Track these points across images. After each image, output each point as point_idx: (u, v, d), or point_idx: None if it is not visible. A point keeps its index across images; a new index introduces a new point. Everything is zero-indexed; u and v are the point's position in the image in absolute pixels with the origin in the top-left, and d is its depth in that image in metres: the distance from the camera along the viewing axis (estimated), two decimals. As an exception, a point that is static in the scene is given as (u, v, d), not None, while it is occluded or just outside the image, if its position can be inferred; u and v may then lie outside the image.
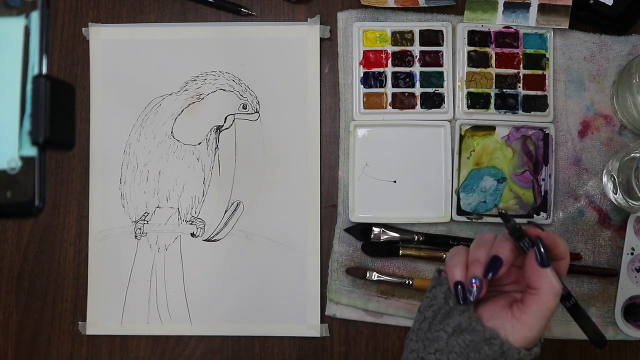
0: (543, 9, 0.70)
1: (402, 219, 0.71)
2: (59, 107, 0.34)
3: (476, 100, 0.71)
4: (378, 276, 0.70)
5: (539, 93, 0.71)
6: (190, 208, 0.73)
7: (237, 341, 0.72)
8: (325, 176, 0.73)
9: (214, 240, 0.72)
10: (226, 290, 0.72)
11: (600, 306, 0.70)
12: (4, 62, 0.35)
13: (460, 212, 0.71)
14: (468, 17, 0.71)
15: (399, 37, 0.72)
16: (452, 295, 0.52)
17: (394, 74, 0.71)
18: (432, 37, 0.71)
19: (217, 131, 0.73)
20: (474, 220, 0.71)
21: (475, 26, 0.71)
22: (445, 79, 0.71)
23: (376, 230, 0.71)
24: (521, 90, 0.71)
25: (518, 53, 0.71)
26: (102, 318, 0.72)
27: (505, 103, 0.71)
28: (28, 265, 0.73)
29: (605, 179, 0.70)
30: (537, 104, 0.71)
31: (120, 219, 0.73)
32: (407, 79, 0.71)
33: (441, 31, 0.71)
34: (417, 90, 0.71)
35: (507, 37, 0.71)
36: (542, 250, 0.50)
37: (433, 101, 0.71)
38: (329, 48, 0.74)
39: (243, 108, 0.73)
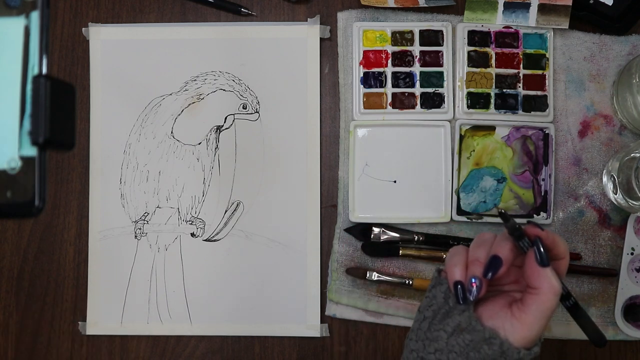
0: (543, 9, 0.70)
1: (402, 219, 0.71)
2: (59, 107, 0.34)
3: (476, 100, 0.71)
4: (378, 276, 0.70)
5: (539, 93, 0.71)
6: (190, 208, 0.73)
7: (237, 341, 0.72)
8: (325, 176, 0.73)
9: (214, 240, 0.72)
10: (226, 290, 0.72)
11: (600, 306, 0.70)
12: (4, 62, 0.35)
13: (460, 212, 0.71)
14: (468, 17, 0.71)
15: (399, 37, 0.72)
16: (452, 294, 0.52)
17: (394, 74, 0.71)
18: (432, 37, 0.71)
19: (217, 131, 0.73)
20: (474, 220, 0.71)
21: (475, 26, 0.71)
22: (445, 79, 0.71)
23: (376, 230, 0.71)
24: (521, 90, 0.71)
25: (518, 53, 0.71)
26: (102, 318, 0.72)
27: (505, 103, 0.71)
28: (28, 265, 0.73)
29: (605, 179, 0.70)
30: (537, 104, 0.71)
31: (120, 219, 0.73)
32: (407, 79, 0.71)
33: (441, 31, 0.71)
34: (417, 90, 0.71)
35: (507, 37, 0.71)
36: (542, 249, 0.50)
37: (433, 101, 0.71)
38: (329, 48, 0.74)
39: (243, 108, 0.73)
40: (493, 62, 0.71)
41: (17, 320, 0.73)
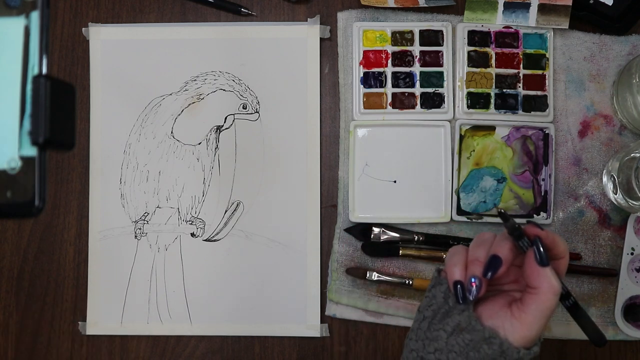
0: (543, 9, 0.70)
1: (402, 219, 0.71)
2: (59, 107, 0.34)
3: (476, 100, 0.71)
4: (378, 276, 0.70)
5: (539, 93, 0.71)
6: (190, 208, 0.73)
7: (237, 341, 0.72)
8: (325, 176, 0.73)
9: (214, 240, 0.72)
10: (226, 290, 0.72)
11: (600, 306, 0.70)
12: (4, 62, 0.35)
13: (460, 212, 0.71)
14: (468, 17, 0.71)
15: (399, 37, 0.72)
16: (452, 294, 0.52)
17: (394, 74, 0.71)
18: (432, 37, 0.71)
19: (217, 131, 0.73)
20: (474, 220, 0.71)
21: (475, 26, 0.71)
22: (445, 79, 0.71)
23: (376, 230, 0.71)
24: (521, 90, 0.71)
25: (518, 53, 0.71)
26: (102, 318, 0.72)
27: (505, 103, 0.71)
28: (28, 265, 0.73)
29: (605, 179, 0.70)
30: (537, 104, 0.71)
31: (120, 219, 0.73)
32: (407, 79, 0.71)
33: (441, 31, 0.71)
34: (417, 90, 0.71)
35: (507, 37, 0.71)
36: (542, 249, 0.50)
37: (433, 101, 0.71)
38: (329, 48, 0.74)
39: (243, 108, 0.73)
40: (493, 62, 0.71)
41: (17, 320, 0.73)
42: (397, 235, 0.71)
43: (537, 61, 0.71)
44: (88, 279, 0.73)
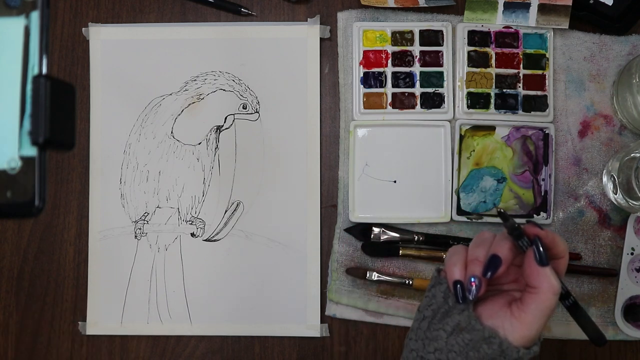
0: (543, 9, 0.70)
1: (402, 219, 0.71)
2: (59, 107, 0.34)
3: (476, 100, 0.71)
4: (378, 276, 0.70)
5: (539, 93, 0.71)
6: (190, 208, 0.73)
7: (237, 341, 0.72)
8: (325, 176, 0.73)
9: (214, 240, 0.72)
10: (226, 290, 0.72)
11: (600, 306, 0.70)
12: (4, 62, 0.35)
13: (460, 212, 0.71)
14: (468, 17, 0.71)
15: (399, 37, 0.72)
16: (452, 294, 0.52)
17: (394, 74, 0.71)
18: (432, 37, 0.71)
19: (217, 131, 0.73)
20: (474, 220, 0.71)
21: (475, 26, 0.71)
22: (445, 79, 0.71)
23: (376, 230, 0.71)
24: (521, 90, 0.71)
25: (518, 53, 0.71)
26: (102, 318, 0.72)
27: (505, 103, 0.71)
28: (28, 265, 0.73)
29: (605, 179, 0.70)
30: (537, 104, 0.71)
31: (120, 219, 0.73)
32: (407, 79, 0.71)
33: (441, 31, 0.71)
34: (417, 90, 0.71)
35: (507, 37, 0.71)
36: (541, 249, 0.50)
37: (433, 101, 0.71)
38: (329, 48, 0.74)
39: (243, 108, 0.73)
40: (493, 62, 0.71)
41: (17, 320, 0.73)
42: (397, 235, 0.71)
43: (537, 61, 0.71)
44: (88, 279, 0.73)
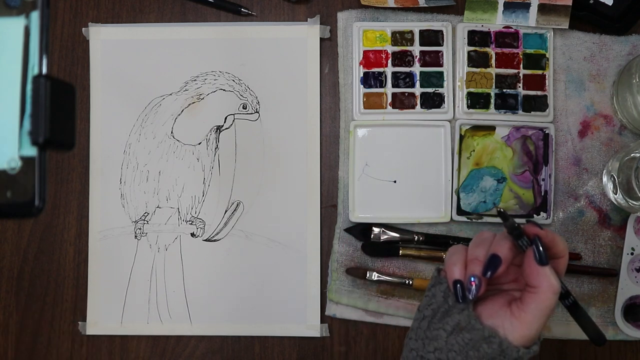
0: (543, 9, 0.70)
1: (402, 219, 0.71)
2: (59, 107, 0.34)
3: (476, 100, 0.71)
4: (378, 276, 0.70)
5: (539, 93, 0.71)
6: (190, 208, 0.73)
7: (237, 341, 0.72)
8: (325, 176, 0.73)
9: (214, 240, 0.72)
10: (226, 290, 0.72)
11: (600, 306, 0.70)
12: (4, 62, 0.35)
13: (460, 212, 0.71)
14: (468, 17, 0.71)
15: (399, 37, 0.72)
16: (451, 293, 0.52)
17: (394, 74, 0.71)
18: (432, 37, 0.71)
19: (217, 131, 0.73)
20: (474, 220, 0.71)
21: (475, 26, 0.71)
22: (445, 79, 0.71)
23: (376, 230, 0.71)
24: (521, 90, 0.71)
25: (518, 53, 0.71)
26: (102, 318, 0.72)
27: (505, 103, 0.71)
28: (28, 265, 0.73)
29: (605, 179, 0.70)
30: (537, 104, 0.71)
31: (120, 219, 0.73)
32: (407, 79, 0.71)
33: (441, 31, 0.71)
34: (417, 90, 0.71)
35: (507, 37, 0.71)
36: (541, 248, 0.50)
37: (433, 101, 0.71)
38: (329, 48, 0.74)
39: (243, 108, 0.73)
40: (493, 62, 0.71)
41: (17, 320, 0.73)
42: (397, 235, 0.71)
43: (537, 61, 0.71)
44: (88, 279, 0.73)
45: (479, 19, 0.71)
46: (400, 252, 0.70)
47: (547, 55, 0.71)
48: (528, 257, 0.50)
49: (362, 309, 0.71)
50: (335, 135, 0.73)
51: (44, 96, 0.34)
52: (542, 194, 0.71)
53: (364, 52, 0.72)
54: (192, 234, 0.73)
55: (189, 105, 0.73)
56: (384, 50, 0.72)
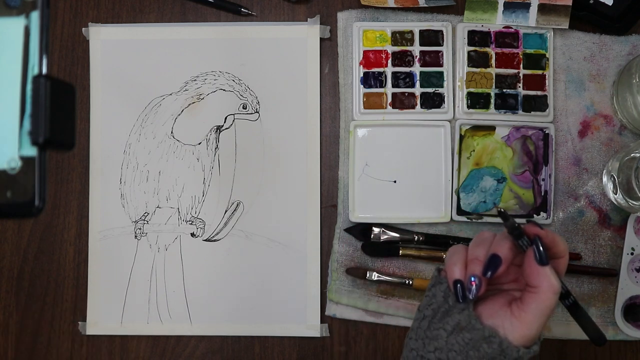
0: (543, 9, 0.70)
1: (402, 219, 0.71)
2: (59, 107, 0.34)
3: (476, 100, 0.71)
4: (378, 276, 0.70)
5: (539, 93, 0.71)
6: (190, 208, 0.73)
7: (237, 341, 0.72)
8: (325, 176, 0.73)
9: (214, 240, 0.72)
10: (226, 290, 0.72)
11: (600, 306, 0.70)
12: (4, 62, 0.35)
13: (460, 212, 0.71)
14: (468, 17, 0.71)
15: (399, 37, 0.72)
16: (452, 293, 0.52)
17: (394, 74, 0.71)
18: (432, 37, 0.71)
19: (217, 131, 0.73)
20: (474, 220, 0.71)
21: (475, 26, 0.71)
22: (445, 79, 0.71)
23: (376, 230, 0.71)
24: (521, 90, 0.71)
25: (518, 53, 0.71)
26: (102, 318, 0.72)
27: (505, 103, 0.71)
28: (28, 265, 0.73)
29: (605, 179, 0.70)
30: (537, 104, 0.71)
31: (120, 219, 0.73)
32: (407, 79, 0.71)
33: (441, 31, 0.71)
34: (417, 90, 0.71)
35: (507, 37, 0.71)
36: (541, 248, 0.50)
37: (433, 101, 0.71)
38: (329, 48, 0.74)
39: (243, 108, 0.73)
40: (493, 62, 0.71)
41: (17, 320, 0.73)
42: (397, 235, 0.71)
43: (537, 61, 0.71)
44: (88, 279, 0.73)
45: (479, 19, 0.71)
46: (400, 252, 0.70)
47: (547, 55, 0.71)
48: (528, 257, 0.50)
49: (362, 309, 0.71)
50: (335, 135, 0.73)
51: (44, 96, 0.34)
52: (542, 194, 0.71)
53: (364, 52, 0.72)
54: (192, 234, 0.73)
55: (189, 105, 0.73)
56: (384, 50, 0.72)
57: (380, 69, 0.71)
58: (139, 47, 0.74)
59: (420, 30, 0.72)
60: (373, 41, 0.72)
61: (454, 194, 0.70)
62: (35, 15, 0.35)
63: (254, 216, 0.72)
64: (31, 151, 0.34)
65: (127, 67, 0.74)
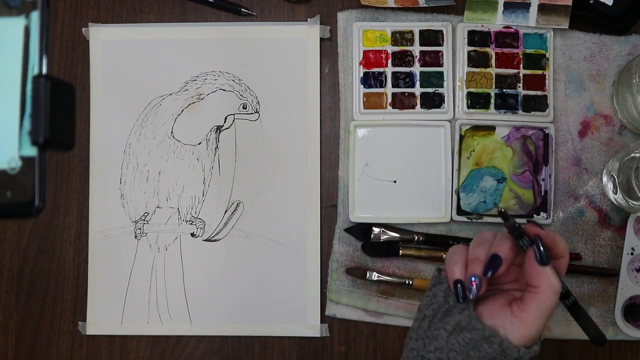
0: (543, 9, 0.70)
1: (402, 219, 0.71)
2: (59, 107, 0.34)
3: (476, 100, 0.71)
4: (378, 276, 0.70)
5: (539, 93, 0.71)
6: (190, 208, 0.73)
7: (237, 341, 0.72)
8: (325, 176, 0.73)
9: (214, 240, 0.72)
10: (226, 290, 0.72)
11: (600, 306, 0.70)
12: (4, 62, 0.35)
13: (460, 212, 0.71)
14: (468, 17, 0.71)
15: (399, 37, 0.72)
16: (452, 293, 0.52)
17: (394, 74, 0.71)
18: (432, 37, 0.71)
19: (217, 131, 0.73)
20: (474, 220, 0.71)
21: (475, 26, 0.71)
22: (445, 79, 0.71)
23: (376, 230, 0.71)
24: (521, 90, 0.71)
25: (518, 53, 0.71)
26: (102, 318, 0.72)
27: (505, 103, 0.71)
28: (28, 265, 0.73)
29: (605, 179, 0.70)
30: (537, 104, 0.71)
31: (120, 219, 0.73)
32: (407, 79, 0.71)
33: (441, 31, 0.71)
34: (417, 90, 0.71)
35: (507, 37, 0.71)
36: (542, 248, 0.50)
37: (433, 101, 0.71)
38: (329, 48, 0.74)
39: (243, 108, 0.73)
40: (493, 62, 0.71)
41: (17, 320, 0.73)
42: (397, 235, 0.71)
43: (537, 61, 0.71)
44: (88, 279, 0.73)
45: (479, 19, 0.71)
46: (400, 252, 0.70)
47: (547, 55, 0.71)
48: (529, 257, 0.50)
49: (362, 309, 0.71)
50: (335, 135, 0.73)
51: (44, 96, 0.34)
52: (542, 194, 0.71)
53: (364, 52, 0.72)
54: (192, 234, 0.73)
55: (189, 105, 0.73)
56: (384, 50, 0.72)
57: (380, 69, 0.71)
58: (139, 47, 0.74)
59: (420, 30, 0.72)
60: (373, 41, 0.72)
61: (454, 194, 0.70)
62: (35, 15, 0.35)
63: (254, 216, 0.72)
64: (31, 151, 0.34)
65: (127, 67, 0.74)
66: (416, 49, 0.72)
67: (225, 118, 0.73)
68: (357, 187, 0.71)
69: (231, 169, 0.73)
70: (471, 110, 0.71)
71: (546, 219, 0.70)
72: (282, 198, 0.72)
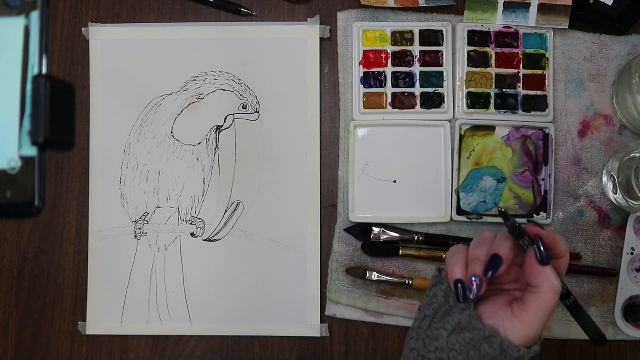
0: (543, 9, 0.70)
1: (402, 219, 0.71)
2: (59, 107, 0.34)
3: (476, 100, 0.71)
4: (378, 276, 0.70)
5: (539, 93, 0.71)
6: (190, 208, 0.73)
7: (237, 341, 0.72)
8: (325, 176, 0.73)
9: (214, 240, 0.72)
10: (226, 290, 0.72)
11: (600, 306, 0.70)
12: (4, 62, 0.35)
13: (460, 212, 0.71)
14: (468, 17, 0.71)
15: (399, 37, 0.72)
16: (453, 293, 0.52)
17: (394, 74, 0.71)
18: (432, 37, 0.71)
19: (217, 131, 0.73)
20: (474, 220, 0.71)
21: (475, 26, 0.71)
22: (445, 79, 0.71)
23: (376, 230, 0.71)
24: (521, 90, 0.71)
25: (518, 53, 0.71)
26: (102, 318, 0.72)
27: (505, 103, 0.71)
28: (28, 265, 0.73)
29: (605, 179, 0.70)
30: (537, 104, 0.71)
31: (120, 219, 0.73)
32: (407, 79, 0.71)
33: (441, 31, 0.71)
34: (417, 90, 0.71)
35: (507, 37, 0.71)
36: (542, 248, 0.50)
37: (433, 101, 0.71)
38: (329, 48, 0.74)
39: (243, 108, 0.73)
40: (493, 62, 0.71)
41: (17, 320, 0.73)
42: (397, 235, 0.71)
43: (537, 61, 0.71)
44: (88, 279, 0.73)
45: (479, 19, 0.71)
46: (400, 252, 0.70)
47: (547, 55, 0.71)
48: (529, 257, 0.50)
49: (362, 309, 0.71)
50: (335, 135, 0.73)
51: (44, 96, 0.34)
52: (542, 194, 0.71)
53: (364, 52, 0.72)
54: (192, 234, 0.73)
55: (189, 105, 0.73)
56: (384, 50, 0.72)
57: (380, 69, 0.71)
58: (139, 47, 0.74)
59: (420, 30, 0.72)
60: (373, 41, 0.72)
61: (454, 194, 0.70)
62: (35, 15, 0.35)
63: (254, 216, 0.72)
64: (31, 151, 0.34)
65: (127, 67, 0.74)
66: (416, 49, 0.72)
67: (225, 118, 0.73)
68: (357, 187, 0.71)
69: (231, 169, 0.73)
70: (471, 110, 0.71)
71: (546, 219, 0.70)
72: (282, 198, 0.72)
